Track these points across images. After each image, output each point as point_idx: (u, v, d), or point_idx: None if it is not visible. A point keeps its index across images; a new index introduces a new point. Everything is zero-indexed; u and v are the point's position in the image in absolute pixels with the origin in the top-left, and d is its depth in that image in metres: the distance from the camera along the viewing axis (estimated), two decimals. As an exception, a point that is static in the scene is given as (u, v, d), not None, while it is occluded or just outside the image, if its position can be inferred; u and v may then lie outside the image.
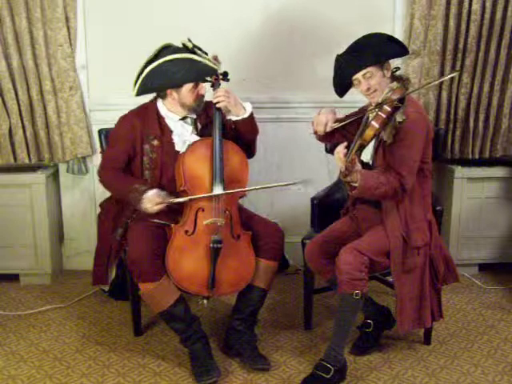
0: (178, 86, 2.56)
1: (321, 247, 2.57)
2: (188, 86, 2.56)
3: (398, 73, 2.51)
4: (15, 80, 3.32)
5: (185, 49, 2.56)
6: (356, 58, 2.44)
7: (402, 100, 2.27)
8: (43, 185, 3.39)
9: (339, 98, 2.62)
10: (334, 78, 2.57)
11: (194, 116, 2.69)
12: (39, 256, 3.45)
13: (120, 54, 3.25)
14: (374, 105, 2.41)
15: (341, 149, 2.19)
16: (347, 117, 2.59)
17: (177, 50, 2.54)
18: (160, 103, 2.67)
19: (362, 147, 2.23)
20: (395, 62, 2.54)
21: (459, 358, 2.64)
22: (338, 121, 2.55)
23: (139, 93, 2.55)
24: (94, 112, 3.52)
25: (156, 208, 2.49)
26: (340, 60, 2.52)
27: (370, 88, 2.43)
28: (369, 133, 2.20)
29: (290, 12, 3.44)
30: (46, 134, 3.43)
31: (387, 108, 2.22)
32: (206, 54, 2.61)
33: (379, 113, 2.22)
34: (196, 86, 2.57)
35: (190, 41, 2.56)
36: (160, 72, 2.49)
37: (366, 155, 2.53)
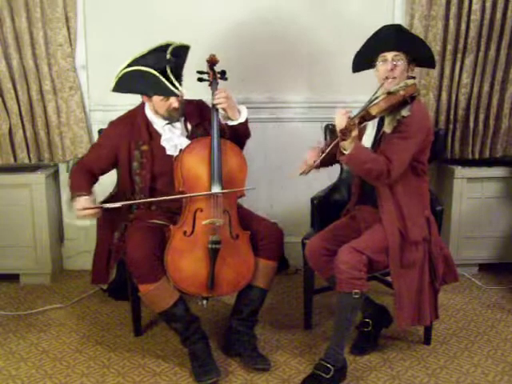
0: (143, 94, 2.60)
1: (321, 245, 2.57)
2: (158, 96, 2.55)
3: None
4: (15, 80, 3.32)
5: (163, 58, 2.52)
6: (398, 39, 2.45)
7: (413, 98, 2.29)
8: (43, 185, 3.39)
9: (352, 72, 2.61)
10: (363, 47, 2.56)
11: (182, 118, 2.69)
12: (39, 256, 3.45)
13: (120, 54, 3.23)
14: (381, 88, 2.42)
15: (345, 111, 2.27)
16: (327, 145, 2.55)
17: (153, 62, 2.50)
18: (147, 107, 2.68)
19: (363, 119, 2.27)
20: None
21: (459, 358, 2.64)
22: (322, 152, 2.47)
23: (114, 90, 2.58)
24: (93, 112, 3.52)
25: (81, 213, 2.48)
26: (382, 31, 2.50)
27: (393, 70, 2.42)
28: (374, 109, 2.25)
29: (289, 13, 3.43)
30: (45, 134, 3.43)
31: (399, 96, 2.26)
32: (178, 76, 2.57)
33: (390, 96, 2.26)
34: (167, 98, 2.55)
35: (172, 55, 2.52)
36: (128, 78, 2.53)
37: (367, 142, 2.54)
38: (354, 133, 2.25)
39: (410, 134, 2.37)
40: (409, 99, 2.29)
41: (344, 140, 2.27)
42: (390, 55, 2.44)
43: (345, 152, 2.30)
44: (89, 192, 2.58)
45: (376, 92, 2.38)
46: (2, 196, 3.38)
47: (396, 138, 2.37)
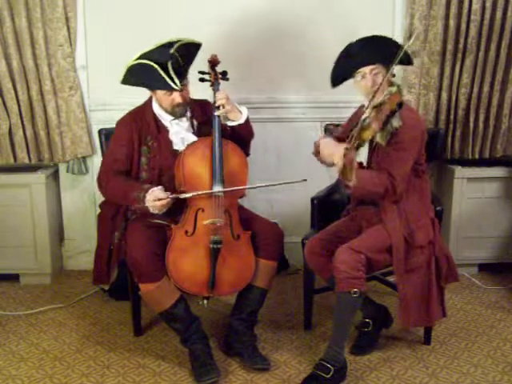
0: (146, 87, 2.60)
1: (321, 245, 2.57)
2: (161, 90, 2.56)
3: (392, 79, 2.49)
4: (15, 80, 3.32)
5: (166, 53, 2.52)
6: (371, 51, 2.43)
7: (400, 105, 2.27)
8: (43, 185, 3.39)
9: (331, 87, 2.57)
10: (337, 64, 2.53)
11: (189, 114, 2.69)
12: (39, 256, 3.45)
13: (120, 54, 3.24)
14: (370, 105, 2.38)
15: (341, 148, 2.16)
16: (344, 131, 2.51)
17: (156, 56, 2.51)
18: (154, 102, 2.68)
19: (359, 147, 2.23)
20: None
21: (459, 358, 2.64)
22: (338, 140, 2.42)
23: (123, 82, 2.58)
24: (94, 112, 3.52)
25: (159, 204, 2.45)
26: (353, 47, 2.49)
27: (374, 85, 2.39)
28: (367, 134, 2.20)
29: (289, 13, 3.44)
30: (45, 134, 3.43)
31: (386, 111, 2.22)
32: (182, 72, 2.55)
33: (378, 115, 2.21)
34: (170, 92, 2.55)
35: (177, 51, 2.50)
36: (134, 71, 2.54)
37: (360, 156, 2.52)
38: (354, 164, 2.13)
39: (406, 146, 2.35)
40: (397, 108, 2.25)
41: (346, 180, 2.15)
42: (367, 69, 2.42)
43: (349, 184, 2.19)
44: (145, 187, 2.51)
45: (366, 109, 2.32)
46: (2, 196, 3.38)
47: (392, 150, 2.34)
